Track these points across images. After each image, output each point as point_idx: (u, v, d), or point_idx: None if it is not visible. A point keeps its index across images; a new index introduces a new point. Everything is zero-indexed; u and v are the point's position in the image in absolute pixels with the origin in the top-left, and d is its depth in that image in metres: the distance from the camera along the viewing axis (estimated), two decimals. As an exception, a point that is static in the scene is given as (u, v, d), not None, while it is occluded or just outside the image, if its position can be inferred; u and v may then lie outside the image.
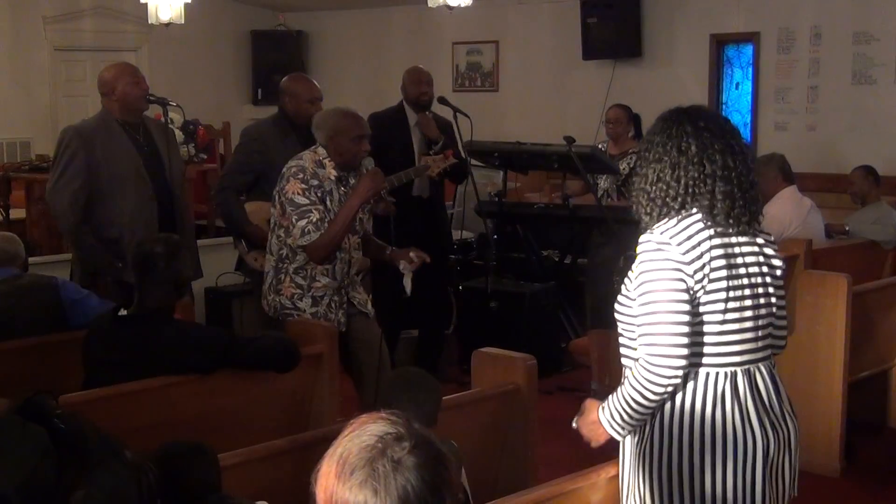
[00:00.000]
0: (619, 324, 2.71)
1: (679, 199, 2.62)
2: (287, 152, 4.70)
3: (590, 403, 2.77)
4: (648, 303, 2.55)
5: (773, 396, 2.65)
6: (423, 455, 1.58)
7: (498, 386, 3.66)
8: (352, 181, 4.50)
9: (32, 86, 10.43)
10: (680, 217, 2.60)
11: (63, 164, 4.83)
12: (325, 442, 1.66)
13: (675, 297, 2.52)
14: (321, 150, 4.45)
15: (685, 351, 2.52)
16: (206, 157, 8.18)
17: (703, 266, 2.55)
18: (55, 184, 4.86)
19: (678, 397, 2.60)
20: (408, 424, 1.63)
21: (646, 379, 2.54)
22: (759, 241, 2.69)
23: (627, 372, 2.65)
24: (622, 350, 2.72)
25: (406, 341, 6.43)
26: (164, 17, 8.73)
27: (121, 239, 4.80)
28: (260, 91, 11.62)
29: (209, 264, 5.85)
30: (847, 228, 6.51)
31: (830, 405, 4.97)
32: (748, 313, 2.61)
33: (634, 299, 2.60)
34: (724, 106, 9.14)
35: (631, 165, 6.50)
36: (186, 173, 5.97)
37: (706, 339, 2.58)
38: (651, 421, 2.64)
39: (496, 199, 6.97)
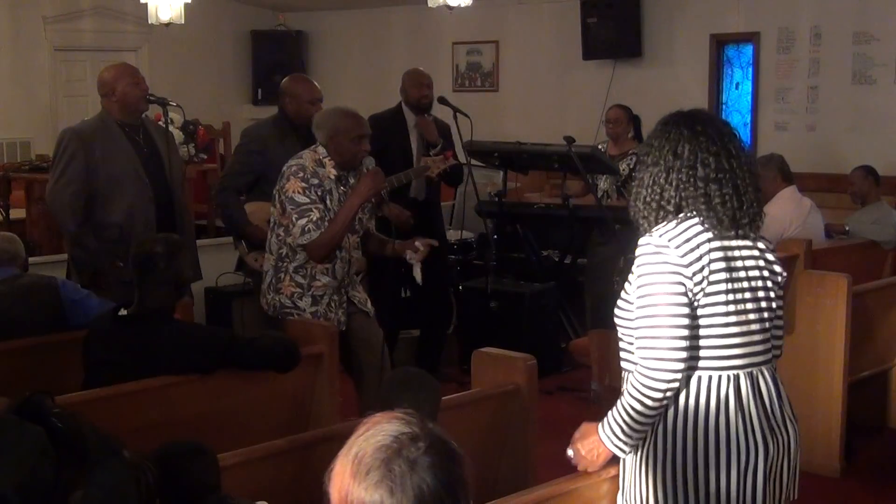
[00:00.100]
0: (619, 328, 2.71)
1: (673, 203, 2.61)
2: (287, 153, 4.69)
3: (587, 426, 2.76)
4: (646, 306, 2.54)
5: (776, 401, 2.65)
6: (439, 455, 1.59)
7: (498, 386, 3.65)
8: (351, 180, 4.50)
9: (32, 86, 10.42)
10: (679, 220, 2.60)
11: (62, 166, 4.82)
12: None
13: (673, 301, 2.52)
14: (321, 150, 4.45)
15: (683, 354, 2.52)
16: (205, 157, 8.17)
17: (703, 268, 2.54)
18: (54, 185, 4.86)
19: (681, 400, 2.59)
20: (422, 424, 1.63)
21: (643, 384, 2.53)
22: (760, 245, 2.68)
23: (626, 379, 2.65)
24: (622, 354, 2.71)
25: (406, 341, 6.43)
26: (164, 17, 8.72)
27: (121, 240, 4.80)
28: (260, 91, 11.62)
29: (209, 264, 5.85)
30: (847, 228, 6.50)
31: (830, 405, 4.97)
32: (751, 315, 2.60)
33: (634, 303, 2.60)
34: (724, 106, 9.13)
35: (631, 166, 6.50)
36: (186, 173, 5.97)
37: (709, 341, 2.57)
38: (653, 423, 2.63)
39: (496, 199, 6.97)
